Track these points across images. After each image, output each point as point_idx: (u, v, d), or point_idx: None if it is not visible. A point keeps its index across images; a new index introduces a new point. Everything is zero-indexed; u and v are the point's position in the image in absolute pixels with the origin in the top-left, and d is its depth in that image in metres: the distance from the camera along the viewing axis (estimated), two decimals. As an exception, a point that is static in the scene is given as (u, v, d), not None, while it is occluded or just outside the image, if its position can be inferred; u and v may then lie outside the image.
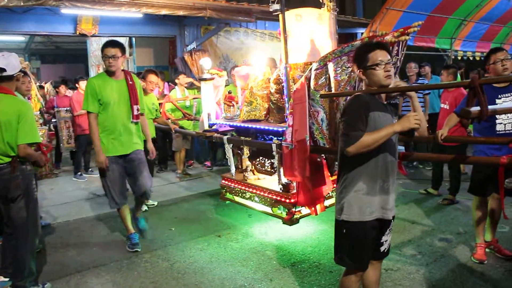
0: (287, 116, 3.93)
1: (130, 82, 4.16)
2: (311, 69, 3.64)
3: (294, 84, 3.94)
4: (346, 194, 2.50)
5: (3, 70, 3.34)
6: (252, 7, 8.34)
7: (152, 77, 5.67)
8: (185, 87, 7.36)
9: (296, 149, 3.62)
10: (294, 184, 4.13)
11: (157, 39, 10.54)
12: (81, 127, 7.60)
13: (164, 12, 7.35)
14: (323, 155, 3.83)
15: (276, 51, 4.24)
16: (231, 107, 5.22)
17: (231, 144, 4.91)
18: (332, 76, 3.46)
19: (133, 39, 11.20)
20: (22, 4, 6.09)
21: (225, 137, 4.82)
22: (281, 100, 4.44)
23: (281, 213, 4.32)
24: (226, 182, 5.11)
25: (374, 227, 2.52)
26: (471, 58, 10.86)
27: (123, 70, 4.22)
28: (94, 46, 13.91)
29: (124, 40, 11.77)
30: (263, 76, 4.86)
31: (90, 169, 8.13)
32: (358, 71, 2.54)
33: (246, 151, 5.00)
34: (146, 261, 4.12)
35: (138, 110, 4.20)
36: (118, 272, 3.91)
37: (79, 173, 7.87)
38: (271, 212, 4.47)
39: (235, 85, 5.48)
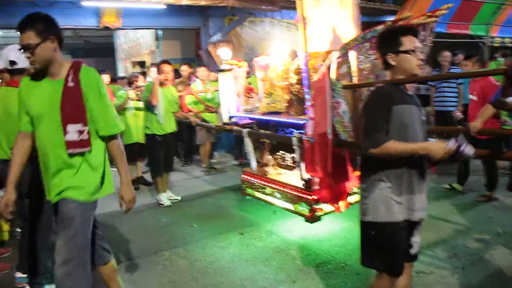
0: (307, 108, 3.74)
1: (70, 84, 2.40)
2: (332, 57, 3.43)
3: (315, 74, 3.74)
4: (370, 193, 2.32)
5: (14, 63, 3.30)
6: (276, -5, 8.17)
7: (165, 67, 5.51)
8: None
9: (317, 143, 3.44)
10: (317, 180, 3.93)
11: (184, 31, 10.48)
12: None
13: (185, 2, 7.27)
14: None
15: (302, 41, 4.03)
16: (250, 98, 5.06)
17: (251, 138, 4.75)
18: (355, 64, 3.26)
19: (159, 31, 11.20)
20: (41, -4, 6.08)
21: (244, 130, 4.66)
22: (302, 91, 4.25)
23: (303, 210, 4.15)
24: (247, 177, 4.96)
25: (404, 227, 2.32)
26: (509, 45, 10.28)
27: (74, 62, 2.50)
28: (122, 40, 14.02)
29: (150, 33, 11.81)
30: (283, 67, 4.68)
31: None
32: (387, 55, 2.31)
33: (267, 144, 4.82)
34: (166, 259, 4.00)
35: (83, 132, 2.42)
36: (135, 270, 3.81)
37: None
38: (292, 209, 4.30)
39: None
